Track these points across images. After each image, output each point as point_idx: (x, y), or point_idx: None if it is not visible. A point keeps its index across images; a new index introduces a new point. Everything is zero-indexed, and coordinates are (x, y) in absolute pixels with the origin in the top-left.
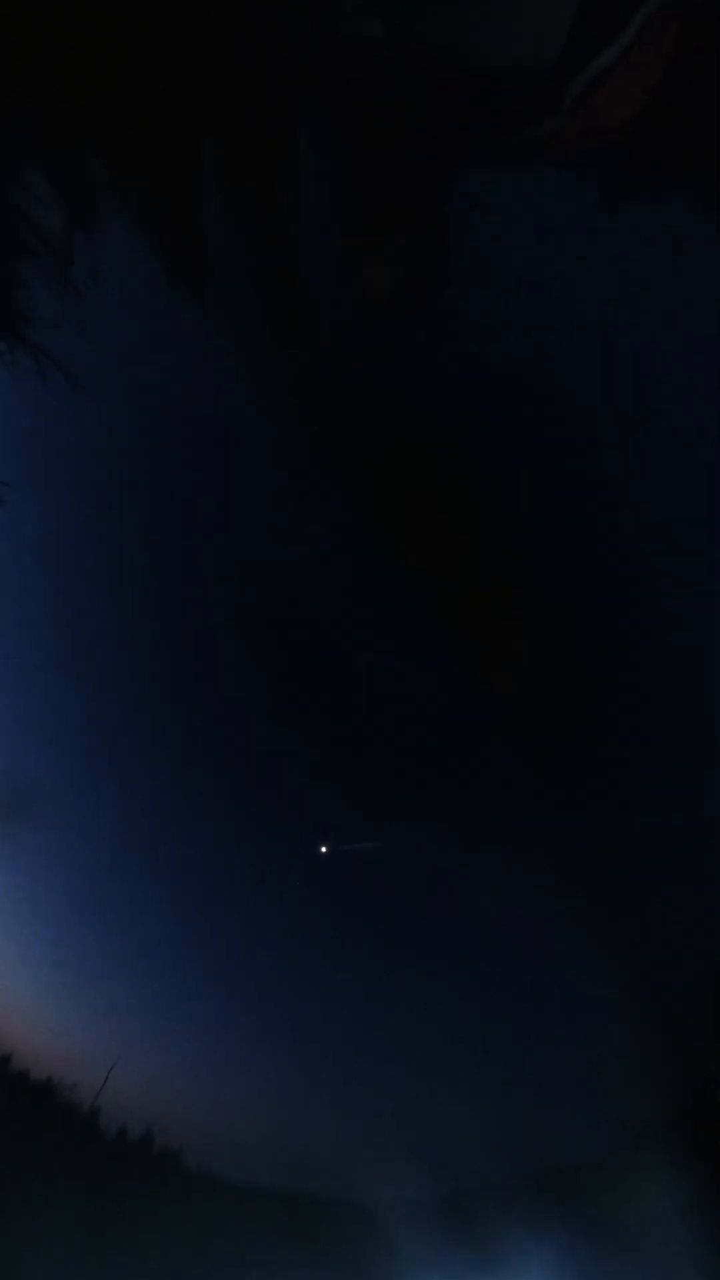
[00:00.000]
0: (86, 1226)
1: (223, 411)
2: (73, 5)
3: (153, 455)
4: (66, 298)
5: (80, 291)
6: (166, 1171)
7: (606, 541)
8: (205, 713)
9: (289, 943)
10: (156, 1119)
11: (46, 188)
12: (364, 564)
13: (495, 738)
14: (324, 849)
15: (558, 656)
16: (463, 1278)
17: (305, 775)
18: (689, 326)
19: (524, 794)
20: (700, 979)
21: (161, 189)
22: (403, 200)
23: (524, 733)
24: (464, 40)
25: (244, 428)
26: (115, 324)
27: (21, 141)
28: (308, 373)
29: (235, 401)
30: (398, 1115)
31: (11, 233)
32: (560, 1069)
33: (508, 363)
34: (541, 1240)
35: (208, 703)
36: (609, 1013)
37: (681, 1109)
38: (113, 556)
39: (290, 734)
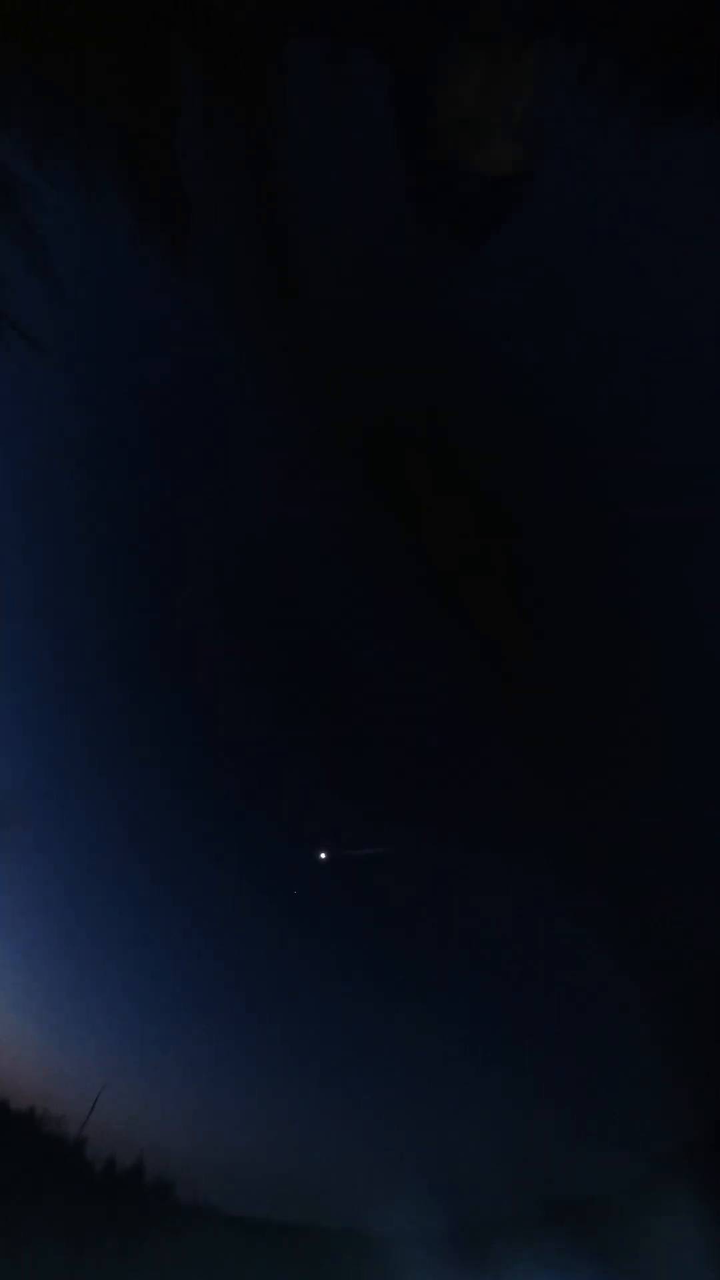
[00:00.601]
0: (74, 1263)
1: (217, 388)
2: None
3: (142, 443)
4: (43, 260)
5: (67, 261)
6: (159, 1203)
7: (623, 528)
8: (200, 714)
9: (288, 957)
10: (148, 1147)
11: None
12: (365, 554)
13: (503, 736)
14: (323, 855)
15: (567, 651)
16: None
17: (304, 777)
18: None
19: (536, 796)
20: None
21: (149, 151)
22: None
23: (533, 731)
24: None
25: (240, 406)
26: (102, 296)
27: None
28: (306, 347)
29: (230, 378)
30: (404, 1141)
31: None
32: (575, 1096)
33: (518, 337)
34: (553, 1272)
35: (203, 704)
36: (628, 1038)
37: (702, 1139)
38: (106, 548)
39: (288, 734)
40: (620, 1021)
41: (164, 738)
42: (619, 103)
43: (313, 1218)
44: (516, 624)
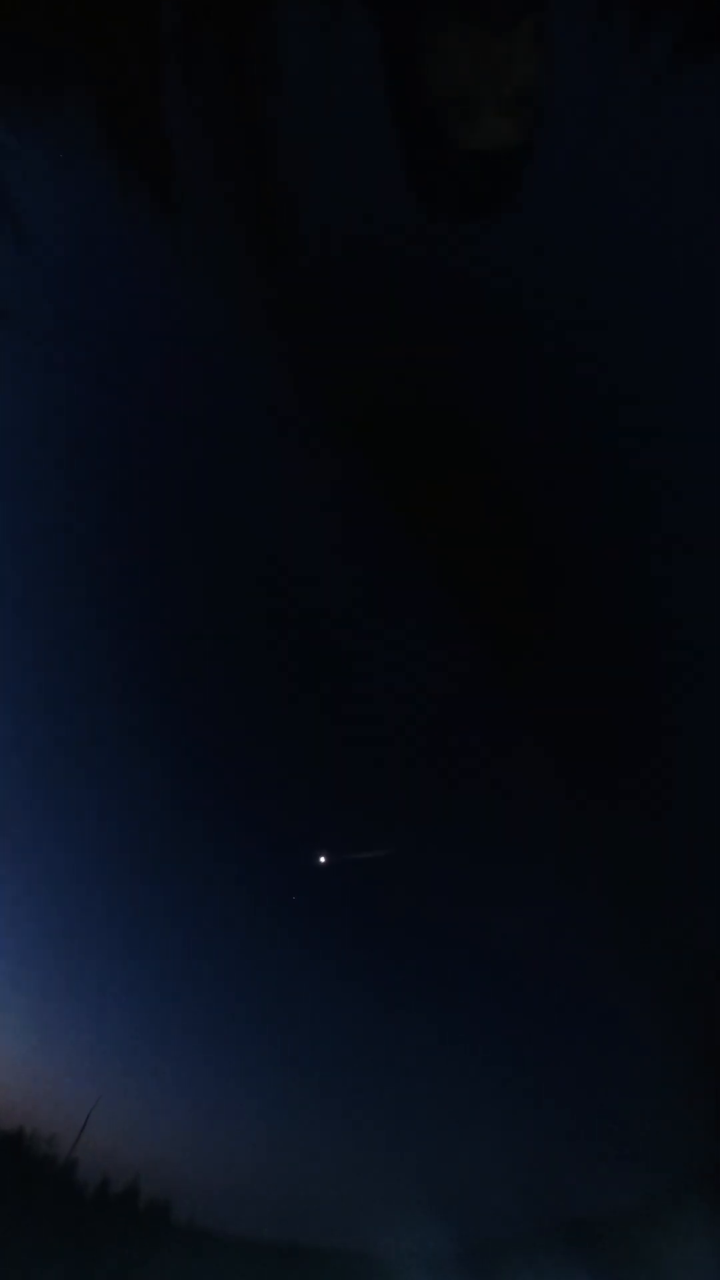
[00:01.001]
0: None
1: (207, 355)
2: None
3: (126, 418)
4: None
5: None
6: (156, 1226)
7: (641, 504)
8: (189, 705)
9: (287, 968)
10: (143, 1167)
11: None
12: (365, 532)
13: (513, 730)
14: (323, 859)
15: (583, 637)
16: None
17: (301, 775)
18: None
19: (548, 796)
20: None
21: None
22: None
23: (545, 724)
24: None
25: (232, 374)
26: (80, 259)
27: None
28: (301, 310)
29: (221, 345)
30: (408, 1158)
31: None
32: (587, 1109)
33: (527, 293)
34: None
35: (193, 693)
36: (641, 1049)
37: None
38: (89, 529)
39: (284, 728)
40: (634, 1032)
41: (152, 729)
42: (633, 53)
43: (315, 1239)
44: (527, 609)
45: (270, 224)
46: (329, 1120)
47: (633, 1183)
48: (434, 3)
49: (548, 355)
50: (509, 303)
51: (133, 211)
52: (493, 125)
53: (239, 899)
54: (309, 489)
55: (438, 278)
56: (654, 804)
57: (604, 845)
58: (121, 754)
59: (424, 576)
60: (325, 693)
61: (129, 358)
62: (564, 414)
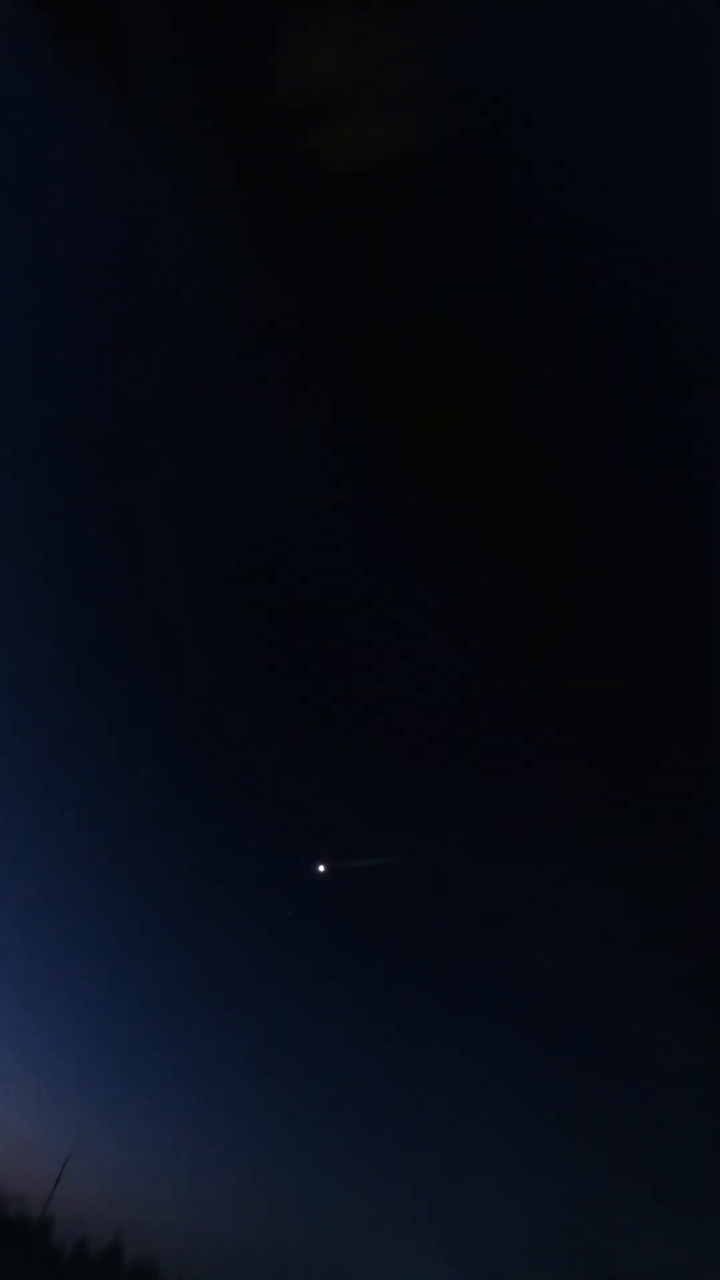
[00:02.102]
0: None
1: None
2: None
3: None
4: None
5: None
6: None
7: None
8: (178, 698)
9: (280, 998)
10: (125, 1225)
11: None
12: (365, 497)
13: (534, 724)
14: (322, 868)
15: (612, 617)
16: None
17: (298, 776)
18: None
19: (565, 801)
20: None
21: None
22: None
23: (560, 721)
24: None
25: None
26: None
27: None
28: (273, 214)
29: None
30: (417, 1213)
31: None
32: (615, 1155)
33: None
34: None
35: (182, 684)
36: (672, 1085)
37: None
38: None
39: (280, 724)
40: (664, 1065)
41: (139, 731)
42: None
43: None
44: (548, 584)
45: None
46: (329, 1170)
47: (677, 1236)
48: None
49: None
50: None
51: (93, 101)
52: (357, 134)
53: (231, 921)
54: (302, 414)
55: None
56: (691, 815)
57: (638, 858)
58: (101, 791)
59: (429, 541)
60: (324, 687)
61: (95, 258)
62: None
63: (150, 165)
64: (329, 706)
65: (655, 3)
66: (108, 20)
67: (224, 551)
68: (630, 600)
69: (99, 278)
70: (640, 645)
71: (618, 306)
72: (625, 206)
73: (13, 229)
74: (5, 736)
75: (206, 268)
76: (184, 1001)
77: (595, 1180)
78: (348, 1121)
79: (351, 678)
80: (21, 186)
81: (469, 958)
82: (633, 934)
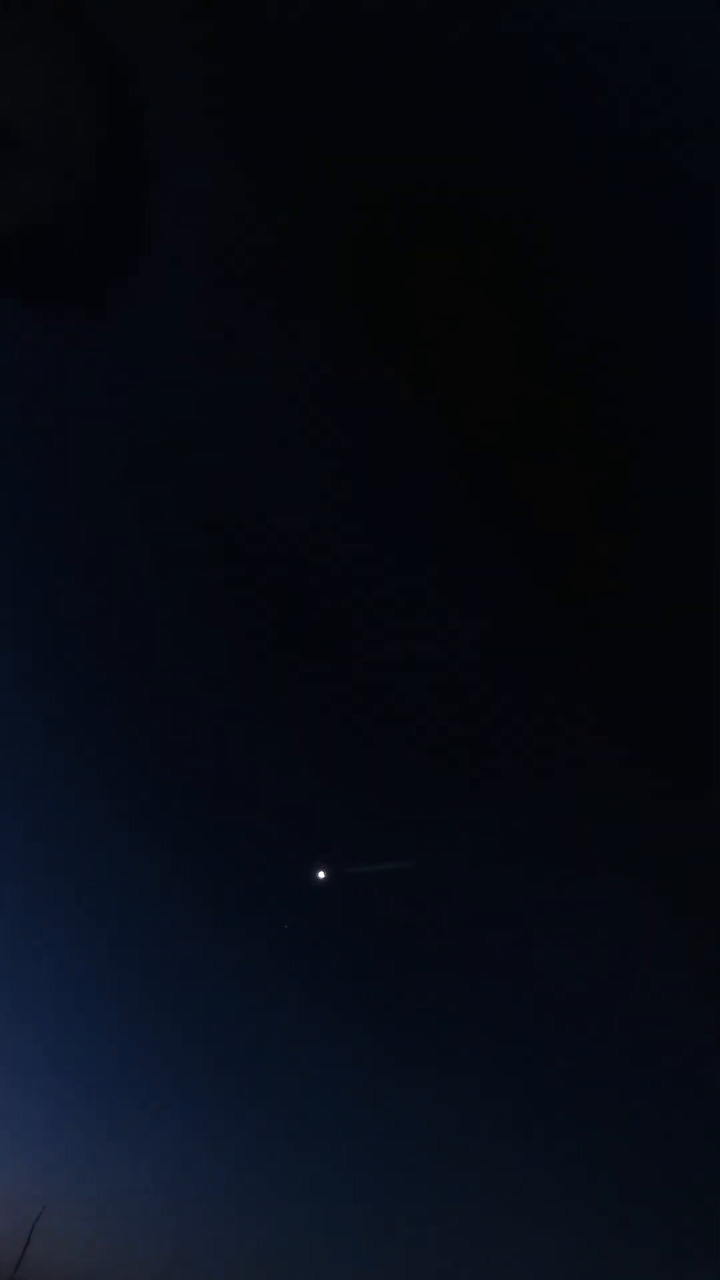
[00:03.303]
0: None
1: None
2: None
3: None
4: None
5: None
6: None
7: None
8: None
9: (273, 1033)
10: None
11: None
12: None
13: (545, 712)
14: (321, 874)
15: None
16: None
17: (296, 772)
18: None
19: (593, 798)
20: None
21: None
22: None
23: (582, 709)
24: None
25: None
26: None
27: None
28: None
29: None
30: (429, 1269)
31: None
32: (649, 1190)
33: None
34: None
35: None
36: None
37: None
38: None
39: (276, 716)
40: (687, 1088)
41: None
42: None
43: None
44: (575, 553)
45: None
46: (327, 1222)
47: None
48: None
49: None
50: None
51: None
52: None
53: (219, 940)
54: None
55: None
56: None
57: (672, 867)
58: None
59: (438, 502)
60: (323, 673)
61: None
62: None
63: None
64: (325, 690)
65: None
66: None
67: (210, 512)
68: (678, 557)
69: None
70: (692, 619)
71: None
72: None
73: None
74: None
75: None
76: (168, 1031)
77: (610, 1209)
78: (352, 1164)
79: (352, 660)
80: None
81: (484, 973)
82: (659, 947)
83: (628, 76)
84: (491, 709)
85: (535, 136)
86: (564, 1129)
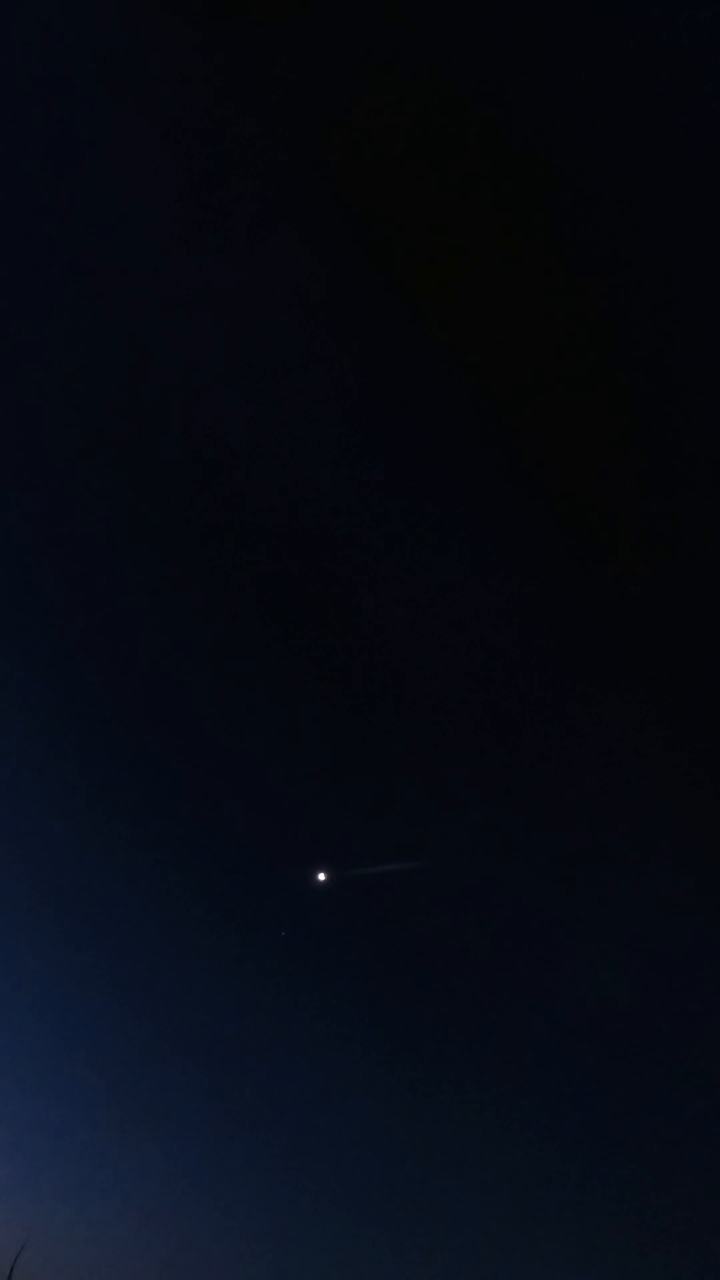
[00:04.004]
0: None
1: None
2: None
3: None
4: None
5: None
6: None
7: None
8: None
9: (269, 1052)
10: None
11: None
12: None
13: (591, 698)
14: (322, 876)
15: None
16: None
17: (293, 764)
18: None
19: (631, 793)
20: None
21: None
22: None
23: (646, 691)
24: None
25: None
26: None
27: None
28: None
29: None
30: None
31: None
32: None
33: None
34: None
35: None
36: None
37: None
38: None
39: (269, 700)
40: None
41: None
42: None
43: None
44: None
45: None
46: (330, 1262)
47: None
48: None
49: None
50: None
51: None
52: None
53: (209, 948)
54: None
55: None
56: None
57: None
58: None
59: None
60: (322, 653)
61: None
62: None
63: None
64: (322, 670)
65: None
66: None
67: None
68: None
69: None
70: None
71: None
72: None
73: None
74: None
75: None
76: (158, 1048)
77: (627, 1239)
78: (355, 1186)
79: (353, 634)
80: None
81: (504, 988)
82: (699, 962)
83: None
84: (513, 695)
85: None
86: (589, 1161)
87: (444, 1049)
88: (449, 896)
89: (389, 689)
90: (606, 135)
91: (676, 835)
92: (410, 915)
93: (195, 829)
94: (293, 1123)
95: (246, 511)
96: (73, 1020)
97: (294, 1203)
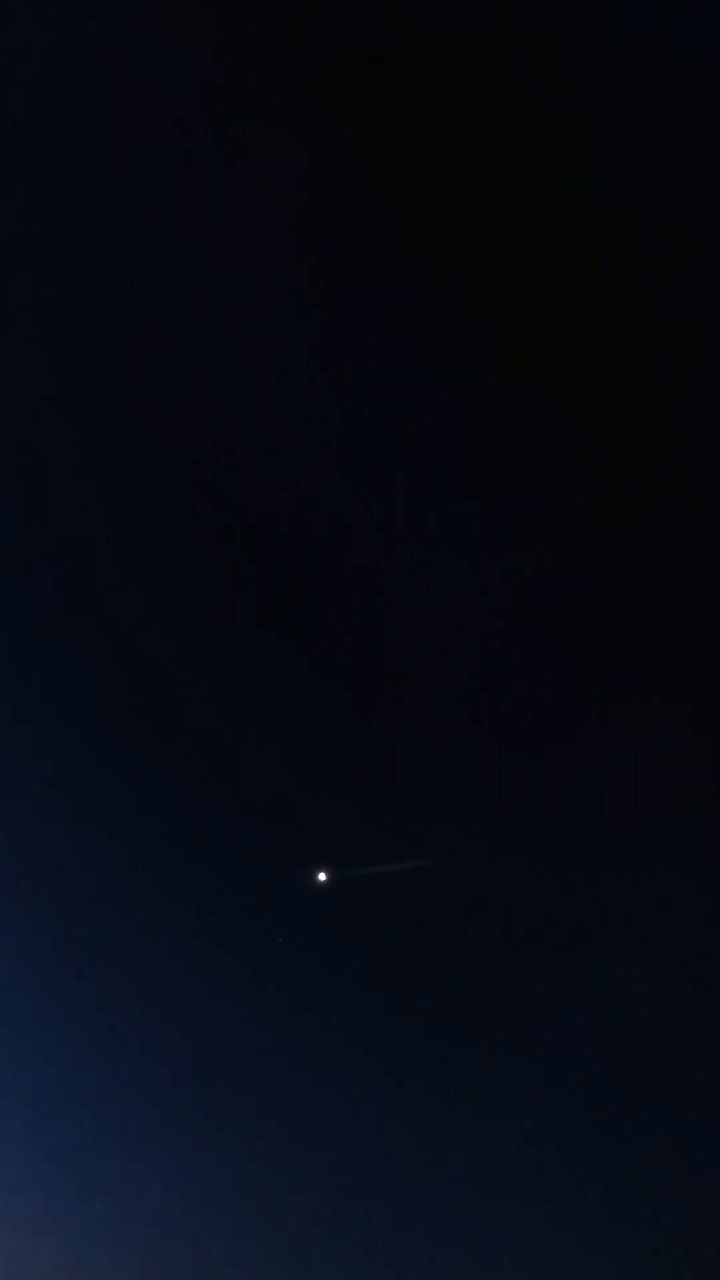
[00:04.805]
0: None
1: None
2: None
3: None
4: None
5: None
6: None
7: None
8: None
9: (266, 1066)
10: None
11: None
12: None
13: (617, 685)
14: (323, 876)
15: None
16: None
17: (293, 755)
18: None
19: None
20: None
21: None
22: None
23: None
24: None
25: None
26: None
27: None
28: None
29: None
30: None
31: None
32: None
33: None
34: None
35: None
36: None
37: None
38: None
39: (267, 686)
40: None
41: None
42: None
43: None
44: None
45: None
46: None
47: None
48: None
49: None
50: None
51: None
52: None
53: (204, 952)
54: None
55: None
56: None
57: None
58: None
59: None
60: (320, 630)
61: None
62: None
63: None
64: (324, 653)
65: None
66: None
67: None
68: None
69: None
70: None
71: None
72: None
73: None
74: None
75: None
76: (154, 1056)
77: (631, 1249)
78: (357, 1199)
79: (357, 624)
80: None
81: (515, 994)
82: (714, 969)
83: None
84: (528, 682)
85: None
86: (602, 1180)
87: (446, 1054)
88: (448, 897)
89: (390, 683)
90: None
91: (688, 836)
92: (410, 916)
93: (193, 830)
94: (293, 1128)
95: (241, 493)
96: (65, 1024)
97: (294, 1209)
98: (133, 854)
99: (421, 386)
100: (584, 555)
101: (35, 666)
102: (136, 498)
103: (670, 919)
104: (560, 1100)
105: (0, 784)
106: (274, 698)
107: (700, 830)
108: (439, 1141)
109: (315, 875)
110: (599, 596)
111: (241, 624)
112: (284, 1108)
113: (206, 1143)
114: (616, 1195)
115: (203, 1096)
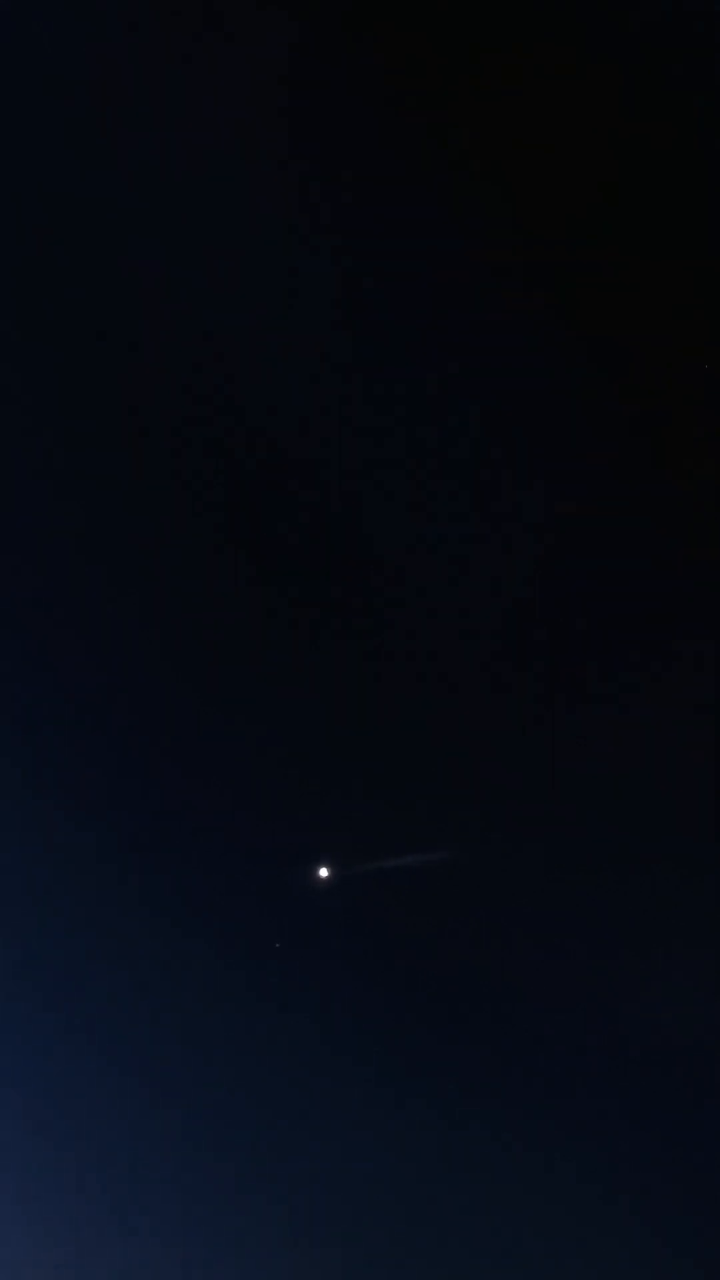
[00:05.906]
0: None
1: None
2: None
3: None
4: None
5: None
6: None
7: None
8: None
9: (273, 1055)
10: None
11: None
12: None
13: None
14: (324, 873)
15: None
16: None
17: (294, 752)
18: None
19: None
20: None
21: None
22: None
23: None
24: None
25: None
26: None
27: None
28: None
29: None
30: None
31: None
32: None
33: None
34: None
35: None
36: None
37: None
38: None
39: (267, 680)
40: None
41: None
42: None
43: None
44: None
45: None
46: None
47: None
48: None
49: None
50: None
51: None
52: None
53: (202, 952)
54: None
55: None
56: None
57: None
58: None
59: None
60: (324, 628)
61: None
62: None
63: None
64: (327, 643)
65: None
66: None
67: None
68: None
69: None
70: None
71: None
72: None
73: None
74: None
75: None
76: (152, 1061)
77: (631, 1251)
78: (359, 1209)
79: (364, 603)
80: None
81: (516, 992)
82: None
83: None
84: (540, 670)
85: None
86: (601, 1180)
87: (447, 1054)
88: (448, 897)
89: (390, 683)
90: None
91: (692, 834)
92: (410, 916)
93: (191, 831)
94: (292, 1128)
95: (241, 451)
96: (65, 1024)
97: (294, 1217)
98: (133, 842)
99: (425, 356)
100: (584, 549)
101: (30, 656)
102: (136, 476)
103: (670, 919)
104: (560, 1100)
105: None
106: (274, 697)
107: (703, 830)
108: (439, 1141)
109: (315, 872)
110: (599, 597)
111: (240, 614)
112: (284, 1108)
113: (207, 1143)
114: (616, 1195)
115: (203, 1096)
